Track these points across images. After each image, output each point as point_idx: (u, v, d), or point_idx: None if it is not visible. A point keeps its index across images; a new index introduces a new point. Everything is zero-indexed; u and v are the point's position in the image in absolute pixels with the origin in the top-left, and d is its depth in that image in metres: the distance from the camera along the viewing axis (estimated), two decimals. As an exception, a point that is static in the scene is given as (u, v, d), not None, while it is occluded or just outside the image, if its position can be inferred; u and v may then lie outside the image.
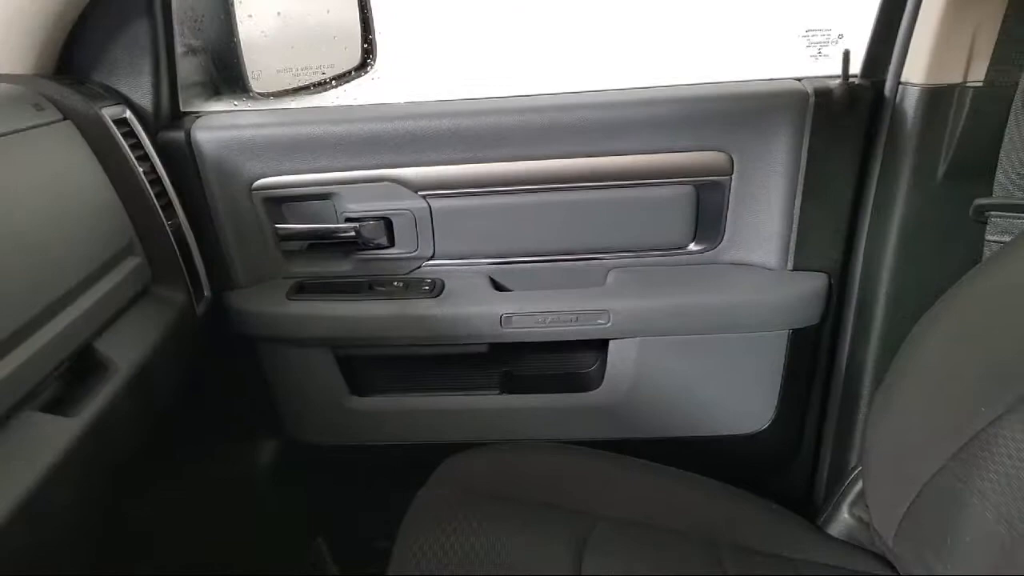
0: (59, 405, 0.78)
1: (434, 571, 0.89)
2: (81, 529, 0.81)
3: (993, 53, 1.02)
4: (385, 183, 1.15)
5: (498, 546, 0.93)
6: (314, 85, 1.27)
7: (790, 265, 1.17)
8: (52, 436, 0.73)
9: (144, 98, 1.11)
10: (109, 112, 1.03)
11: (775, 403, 1.20)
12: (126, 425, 0.86)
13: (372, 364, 1.22)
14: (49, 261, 0.82)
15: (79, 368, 0.84)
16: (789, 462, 1.28)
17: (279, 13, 1.27)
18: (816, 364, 1.21)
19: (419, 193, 1.15)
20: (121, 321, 0.93)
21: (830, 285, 1.17)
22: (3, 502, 0.62)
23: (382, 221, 1.18)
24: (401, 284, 1.19)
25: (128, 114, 1.07)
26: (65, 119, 0.97)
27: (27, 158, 0.86)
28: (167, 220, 1.06)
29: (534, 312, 1.15)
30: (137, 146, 1.06)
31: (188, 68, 1.20)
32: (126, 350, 0.90)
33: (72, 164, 0.94)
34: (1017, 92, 1.00)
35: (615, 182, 1.15)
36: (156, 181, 1.07)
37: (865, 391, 1.16)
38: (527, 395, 1.21)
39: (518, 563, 0.91)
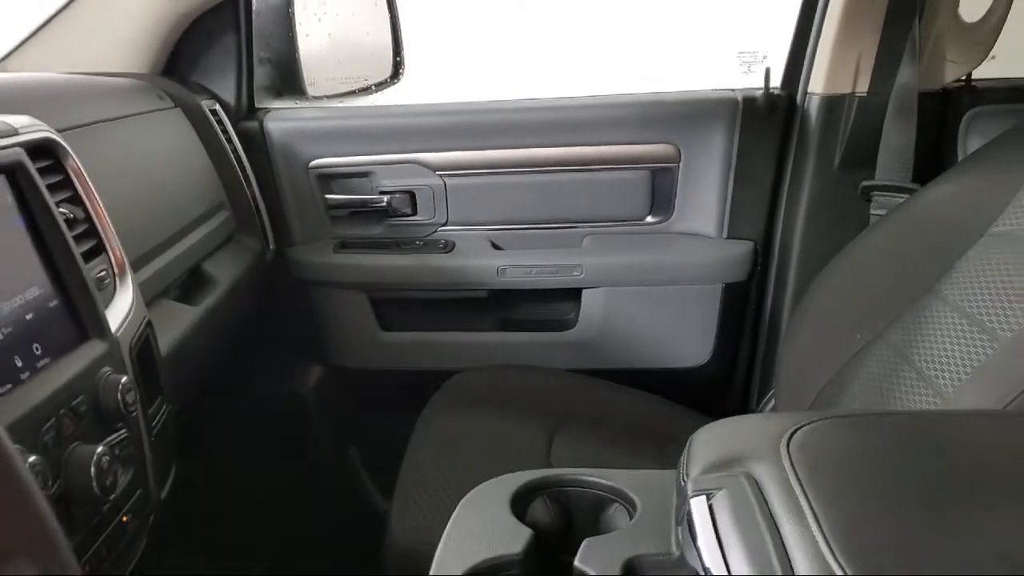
0: (187, 299, 1.12)
1: (441, 447, 1.21)
2: (196, 374, 1.14)
3: (873, 68, 1.35)
4: (411, 164, 1.49)
5: (489, 431, 1.25)
6: (357, 91, 1.62)
7: (725, 234, 1.50)
8: (181, 315, 1.07)
9: (229, 95, 1.46)
10: (205, 104, 1.37)
11: (712, 342, 1.52)
12: (223, 321, 1.20)
13: (397, 305, 1.55)
14: (172, 205, 1.16)
15: (192, 280, 1.18)
16: (726, 390, 1.60)
17: (329, 34, 1.60)
18: (745, 311, 1.53)
19: (437, 173, 1.49)
20: (217, 254, 1.27)
21: (755, 250, 1.49)
22: (164, 345, 0.94)
23: (408, 194, 1.52)
24: (421, 243, 1.52)
25: (217, 107, 1.41)
26: (176, 107, 1.31)
27: (155, 132, 1.21)
28: (246, 188, 1.40)
29: (523, 265, 1.48)
30: (224, 132, 1.40)
31: (260, 74, 1.55)
32: (222, 272, 1.24)
33: (183, 140, 1.29)
34: (891, 99, 1.33)
35: (588, 167, 1.48)
36: (237, 159, 1.41)
37: (782, 332, 1.48)
38: (517, 332, 1.54)
39: (504, 441, 1.23)
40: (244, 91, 1.48)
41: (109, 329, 0.75)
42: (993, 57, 1.42)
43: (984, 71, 1.41)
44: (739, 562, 0.58)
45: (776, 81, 1.45)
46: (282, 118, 1.50)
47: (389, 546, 1.06)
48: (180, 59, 1.43)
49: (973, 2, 1.38)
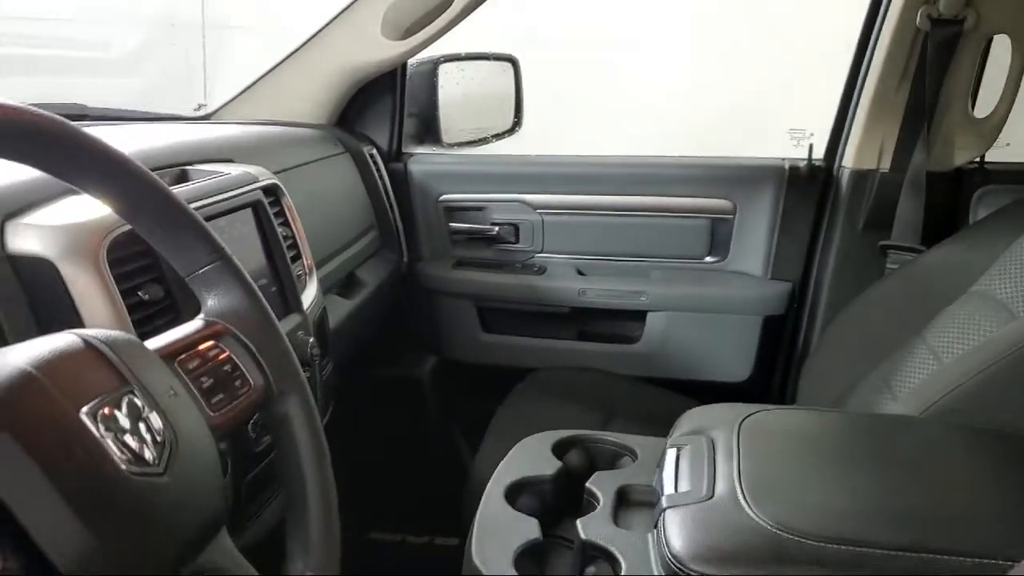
0: (344, 294, 1.55)
1: (517, 422, 1.59)
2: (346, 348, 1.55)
3: (894, 150, 1.67)
4: (517, 203, 1.89)
5: (555, 413, 1.62)
6: (480, 140, 2.03)
7: (769, 275, 1.83)
8: (340, 306, 1.50)
9: (383, 142, 1.89)
10: (366, 150, 1.81)
11: (752, 363, 1.84)
12: (367, 313, 1.62)
13: (498, 313, 1.95)
14: (338, 226, 1.60)
15: (349, 281, 1.61)
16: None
17: (464, 94, 2.03)
18: (781, 340, 1.85)
19: (537, 211, 1.89)
20: (366, 264, 1.70)
21: (793, 290, 1.81)
22: (330, 323, 1.36)
23: (513, 226, 1.91)
24: (520, 265, 1.92)
25: (375, 151, 1.85)
26: (346, 152, 1.75)
27: (331, 173, 1.65)
28: (390, 215, 1.83)
29: (600, 289, 1.85)
30: (377, 170, 1.83)
31: (407, 125, 1.97)
32: (369, 277, 1.67)
33: (348, 179, 1.72)
34: (906, 177, 1.64)
35: (659, 213, 1.84)
36: (386, 193, 1.84)
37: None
38: (591, 343, 1.91)
39: (565, 423, 1.59)
40: (395, 139, 1.91)
41: (303, 307, 1.16)
42: (1007, 144, 1.71)
43: (996, 156, 1.71)
44: (683, 483, 0.96)
45: (819, 153, 1.78)
46: (422, 161, 1.92)
47: (468, 486, 1.45)
48: (349, 113, 1.87)
49: (983, 101, 1.68)
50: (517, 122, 2.03)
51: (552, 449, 1.17)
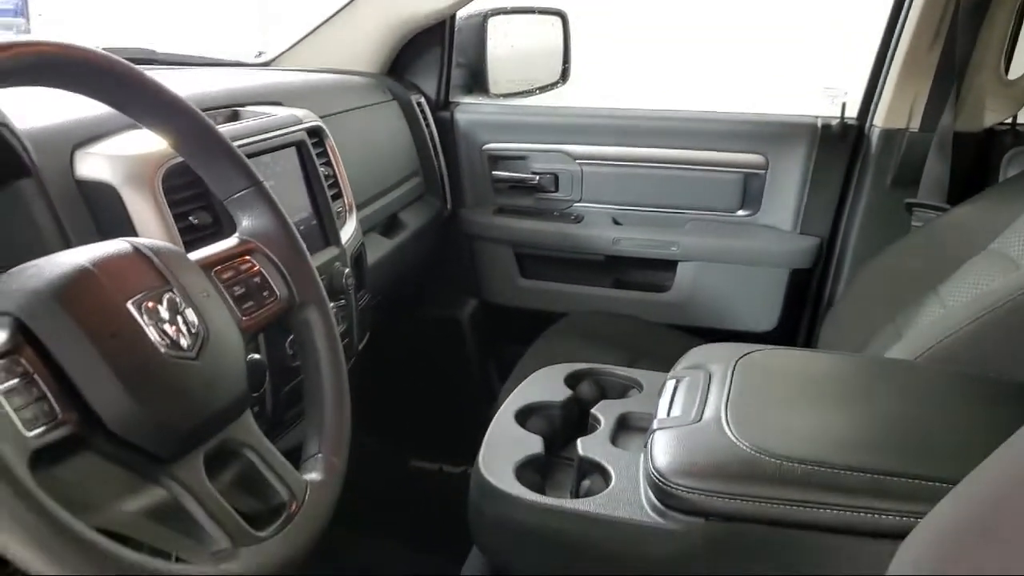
0: (386, 234, 1.66)
1: (545, 357, 1.68)
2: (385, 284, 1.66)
3: (924, 111, 1.70)
4: (558, 153, 1.97)
5: (582, 353, 1.70)
6: (526, 92, 2.10)
7: (798, 230, 1.88)
8: (381, 244, 1.61)
9: (431, 91, 1.99)
10: (414, 98, 1.90)
11: (778, 314, 1.90)
12: (407, 254, 1.73)
13: (535, 260, 2.04)
14: (383, 170, 1.70)
15: (391, 223, 1.72)
16: None
17: (512, 45, 2.10)
18: (807, 292, 1.91)
19: (576, 161, 1.96)
20: (409, 207, 1.80)
21: (821, 244, 1.86)
22: (370, 259, 1.47)
23: (553, 176, 1.99)
24: (558, 214, 2.00)
25: (422, 100, 1.94)
26: (394, 100, 1.85)
27: (378, 119, 1.75)
28: (435, 162, 1.93)
29: (634, 238, 1.93)
30: (424, 118, 1.92)
31: (455, 75, 2.06)
32: (411, 220, 1.77)
33: (395, 125, 1.82)
34: (934, 137, 1.67)
35: (694, 166, 1.90)
36: (431, 140, 1.94)
37: (834, 309, 1.85)
38: (623, 290, 2.00)
39: (594, 360, 1.68)
40: (443, 89, 2.00)
41: (341, 241, 1.27)
42: (1043, 105, 1.73)
43: (1031, 117, 1.72)
44: (676, 409, 1.05)
45: (852, 112, 1.82)
46: (468, 111, 2.01)
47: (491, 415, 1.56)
48: (400, 62, 1.97)
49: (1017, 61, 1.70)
50: (564, 75, 2.10)
51: (565, 380, 1.27)
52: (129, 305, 0.62)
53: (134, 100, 0.73)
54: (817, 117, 1.83)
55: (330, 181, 1.30)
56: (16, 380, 0.55)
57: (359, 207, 1.44)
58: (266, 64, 1.86)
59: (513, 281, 2.05)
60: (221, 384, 0.67)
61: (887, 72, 1.74)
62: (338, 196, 1.32)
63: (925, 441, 0.95)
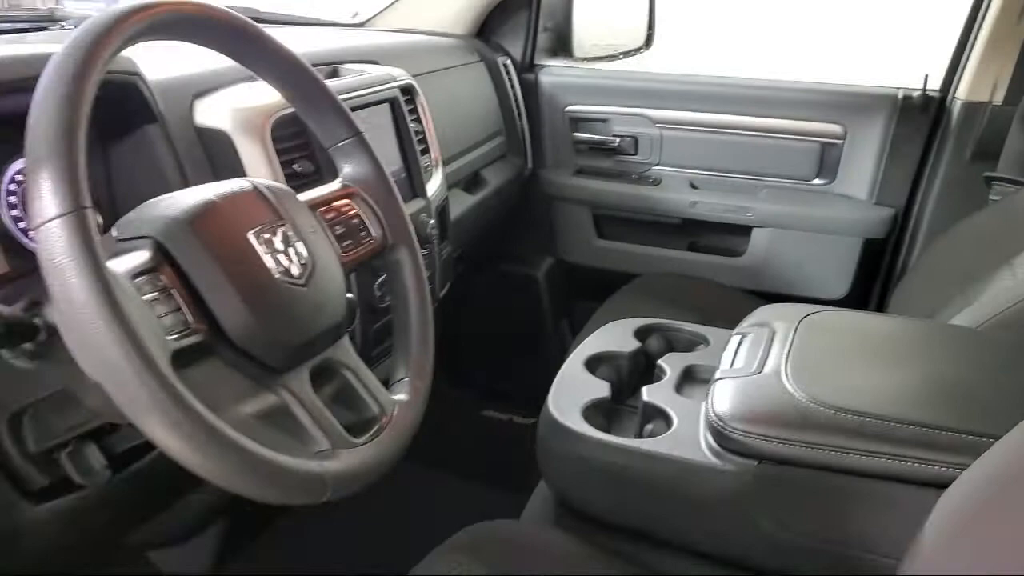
0: (468, 190, 1.74)
1: (617, 314, 1.75)
2: (467, 237, 1.75)
3: (1010, 83, 1.70)
4: (638, 117, 2.02)
5: (657, 311, 1.76)
6: (610, 56, 2.15)
7: (874, 200, 1.89)
8: (464, 199, 1.69)
9: (517, 53, 2.05)
10: (500, 60, 1.97)
11: (850, 282, 1.92)
12: (488, 211, 1.81)
13: (612, 221, 2.10)
14: (468, 129, 1.78)
15: (474, 179, 1.80)
16: None
17: (599, 11, 2.15)
18: (880, 262, 1.93)
19: (656, 125, 2.01)
20: (492, 166, 1.88)
21: (896, 216, 1.88)
22: (453, 213, 1.55)
23: (633, 139, 2.04)
24: (636, 177, 2.05)
25: (508, 62, 2.01)
26: (481, 61, 1.92)
27: (466, 79, 1.83)
28: (518, 123, 2.00)
29: (710, 203, 1.97)
30: (509, 80, 1.99)
31: (541, 39, 2.12)
32: (493, 178, 1.85)
33: (482, 86, 1.90)
34: (1017, 111, 1.67)
35: (772, 134, 1.93)
36: (515, 101, 2.00)
37: (906, 281, 1.87)
38: (698, 253, 2.04)
39: (667, 318, 1.74)
40: (529, 51, 2.06)
41: (427, 194, 1.36)
42: None
43: None
44: (739, 362, 1.11)
45: (934, 83, 1.82)
46: (552, 73, 2.07)
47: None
48: (488, 25, 2.04)
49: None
50: (648, 40, 2.14)
51: (634, 333, 1.34)
52: (249, 235, 0.71)
53: (256, 55, 0.82)
54: (898, 88, 1.84)
55: (419, 137, 1.39)
56: (157, 293, 0.65)
57: (445, 163, 1.52)
58: (361, 24, 1.95)
59: (590, 241, 2.12)
60: (325, 309, 0.76)
61: (972, 44, 1.74)
62: (426, 151, 1.41)
63: (975, 399, 0.99)
